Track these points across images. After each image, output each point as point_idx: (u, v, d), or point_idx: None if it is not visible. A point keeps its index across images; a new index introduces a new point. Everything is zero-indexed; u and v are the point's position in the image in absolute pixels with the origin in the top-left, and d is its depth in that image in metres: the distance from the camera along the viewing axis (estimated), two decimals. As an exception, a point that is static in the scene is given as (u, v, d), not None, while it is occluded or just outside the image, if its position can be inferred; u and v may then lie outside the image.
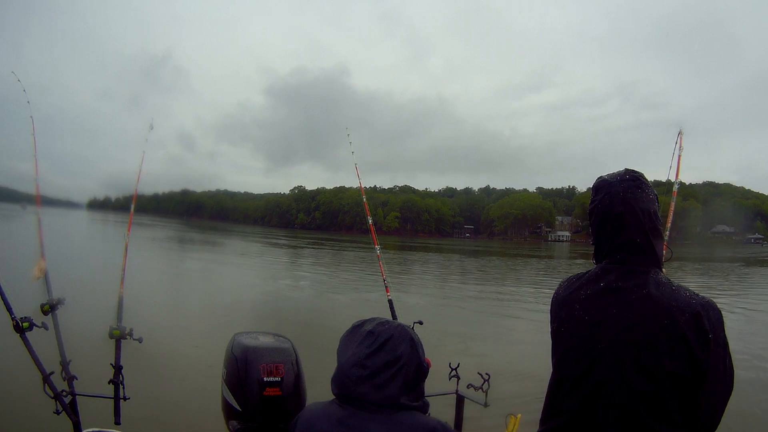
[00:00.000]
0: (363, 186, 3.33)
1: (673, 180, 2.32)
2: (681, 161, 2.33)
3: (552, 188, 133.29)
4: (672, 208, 2.33)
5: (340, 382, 1.17)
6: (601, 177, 1.33)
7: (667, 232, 2.10)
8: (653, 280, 1.21)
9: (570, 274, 1.40)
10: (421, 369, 1.19)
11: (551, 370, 1.33)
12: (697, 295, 1.18)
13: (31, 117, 2.73)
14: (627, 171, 1.32)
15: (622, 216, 1.25)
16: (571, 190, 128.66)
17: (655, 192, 1.30)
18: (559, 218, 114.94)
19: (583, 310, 1.26)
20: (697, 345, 1.13)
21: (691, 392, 1.15)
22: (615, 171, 1.34)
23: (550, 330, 1.37)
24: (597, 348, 1.20)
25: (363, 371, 1.14)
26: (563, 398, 1.26)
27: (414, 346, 1.19)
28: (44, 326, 2.08)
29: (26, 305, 2.12)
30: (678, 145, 2.32)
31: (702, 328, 1.13)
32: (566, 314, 1.30)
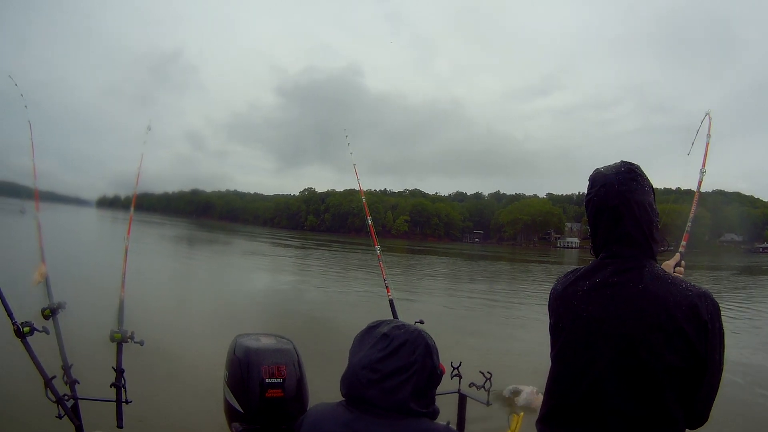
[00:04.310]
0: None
1: (701, 168, 2.03)
2: (709, 148, 2.01)
3: (562, 194, 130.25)
4: (696, 199, 2.02)
5: (349, 383, 1.15)
6: (597, 169, 1.33)
7: (689, 223, 1.97)
8: (649, 273, 1.21)
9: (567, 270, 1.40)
10: (434, 376, 1.16)
11: (550, 364, 1.34)
12: (694, 286, 1.18)
13: (29, 122, 2.68)
14: (623, 163, 1.31)
15: (617, 209, 1.24)
16: (581, 197, 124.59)
17: (651, 184, 1.29)
18: (569, 225, 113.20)
19: (581, 305, 1.26)
20: (696, 336, 1.14)
21: (690, 383, 1.16)
22: (611, 163, 1.33)
23: (549, 324, 1.37)
24: (595, 345, 1.21)
25: (373, 375, 1.11)
26: (563, 395, 1.27)
27: (429, 352, 1.16)
28: (45, 330, 2.08)
29: (27, 310, 2.12)
30: (707, 131, 2.03)
31: (700, 318, 1.14)
32: (564, 309, 1.30)
